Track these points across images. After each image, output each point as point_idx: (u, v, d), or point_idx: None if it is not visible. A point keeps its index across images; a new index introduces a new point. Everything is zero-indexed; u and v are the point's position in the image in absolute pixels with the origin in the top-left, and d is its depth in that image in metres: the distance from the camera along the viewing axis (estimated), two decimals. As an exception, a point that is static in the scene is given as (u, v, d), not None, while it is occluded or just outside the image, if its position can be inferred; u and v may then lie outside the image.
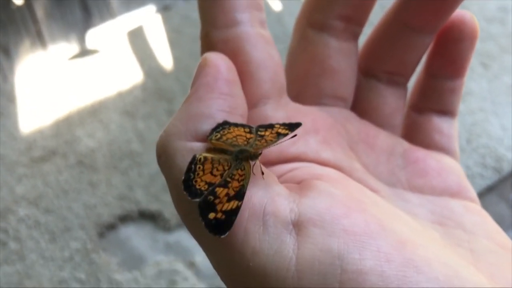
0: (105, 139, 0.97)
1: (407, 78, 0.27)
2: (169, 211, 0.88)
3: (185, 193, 0.19)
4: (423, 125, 0.27)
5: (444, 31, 0.25)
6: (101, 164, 0.94)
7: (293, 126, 0.21)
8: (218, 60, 0.21)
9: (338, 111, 0.26)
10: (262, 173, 0.20)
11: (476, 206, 0.24)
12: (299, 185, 0.20)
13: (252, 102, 0.23)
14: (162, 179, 0.91)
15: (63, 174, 0.93)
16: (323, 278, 0.16)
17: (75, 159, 0.94)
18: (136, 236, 0.87)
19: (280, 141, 0.21)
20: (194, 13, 1.15)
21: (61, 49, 1.10)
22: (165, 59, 1.08)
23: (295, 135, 0.21)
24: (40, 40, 1.11)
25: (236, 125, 0.20)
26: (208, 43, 0.23)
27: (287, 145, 0.22)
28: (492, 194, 0.90)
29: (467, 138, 0.96)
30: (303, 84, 0.26)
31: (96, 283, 0.81)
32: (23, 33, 1.11)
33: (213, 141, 0.20)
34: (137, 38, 1.12)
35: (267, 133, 0.21)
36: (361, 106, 0.27)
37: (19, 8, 1.14)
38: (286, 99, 0.24)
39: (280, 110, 0.23)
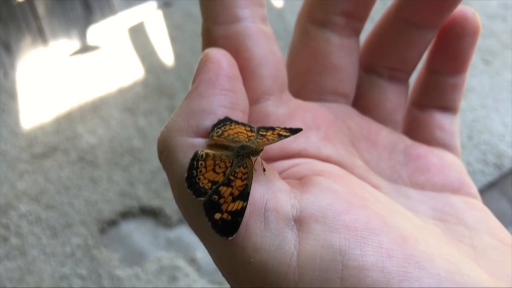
0: (106, 135, 0.97)
1: (408, 74, 0.27)
2: (170, 207, 0.88)
3: (189, 191, 0.18)
4: (425, 122, 0.27)
5: (446, 26, 0.25)
6: (102, 160, 0.94)
7: (294, 131, 0.21)
8: (220, 56, 0.21)
9: (340, 107, 0.26)
10: (264, 169, 0.20)
11: (477, 202, 0.24)
12: (301, 181, 0.20)
13: (254, 98, 0.23)
14: (163, 176, 0.91)
15: (64, 170, 0.93)
16: (324, 274, 0.16)
17: (76, 155, 0.94)
18: (137, 232, 0.87)
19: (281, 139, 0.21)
20: (195, 10, 1.15)
21: (62, 45, 1.10)
22: (166, 55, 1.08)
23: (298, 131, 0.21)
24: (41, 36, 1.11)
25: (237, 122, 0.20)
26: (210, 39, 0.23)
27: (288, 141, 0.22)
28: (493, 191, 0.90)
29: (468, 135, 0.96)
30: (305, 80, 0.26)
31: (97, 279, 0.81)
32: (24, 29, 1.11)
33: (214, 137, 0.20)
34: (138, 34, 1.12)
35: (268, 133, 0.21)
36: (362, 103, 0.27)
37: (20, 4, 1.14)
38: (287, 95, 0.24)
39: (281, 106, 0.23)
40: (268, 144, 0.20)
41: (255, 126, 0.21)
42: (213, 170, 0.19)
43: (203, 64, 0.21)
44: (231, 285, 0.19)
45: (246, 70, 0.22)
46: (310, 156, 0.23)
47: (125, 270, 0.82)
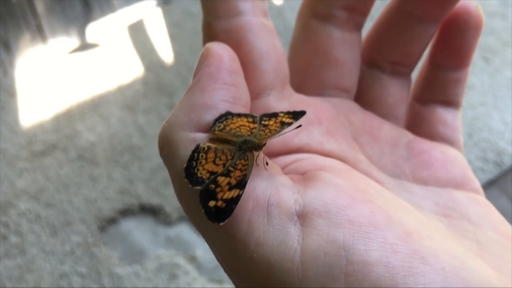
0: (106, 133, 0.97)
1: (411, 69, 0.27)
2: (170, 205, 0.87)
3: (186, 180, 0.18)
4: (427, 116, 0.27)
5: (448, 21, 0.25)
6: (102, 158, 0.93)
7: (297, 114, 0.21)
8: (221, 50, 0.21)
9: (342, 102, 0.25)
10: (267, 164, 0.19)
11: (480, 197, 0.24)
12: (304, 176, 0.20)
13: (255, 93, 0.22)
14: (162, 173, 0.91)
15: (63, 168, 0.92)
16: (328, 270, 0.16)
17: (76, 153, 0.94)
18: (137, 230, 0.87)
19: (284, 131, 0.21)
20: (195, 7, 1.14)
21: (61, 43, 1.10)
22: (166, 53, 1.08)
23: (299, 126, 0.21)
24: (40, 34, 1.10)
25: (239, 115, 0.20)
26: (210, 34, 0.23)
27: (290, 136, 0.22)
28: (493, 188, 0.90)
29: (468, 132, 0.95)
30: (306, 75, 0.26)
31: (97, 277, 0.81)
32: (23, 27, 1.11)
33: (216, 132, 0.20)
34: (137, 32, 1.12)
35: (271, 122, 0.21)
36: (364, 97, 0.27)
37: (19, 2, 1.13)
38: (289, 89, 0.24)
39: (283, 101, 0.23)
40: (271, 136, 0.20)
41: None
42: (213, 162, 0.19)
43: (204, 59, 0.21)
44: (233, 281, 0.19)
45: (248, 64, 0.22)
46: (312, 151, 0.22)
47: (124, 268, 0.82)
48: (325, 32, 0.25)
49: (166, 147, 0.20)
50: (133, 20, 1.13)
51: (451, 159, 0.25)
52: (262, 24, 0.23)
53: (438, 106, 0.27)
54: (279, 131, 0.20)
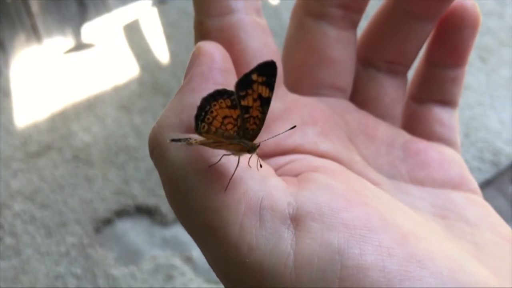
0: (101, 133, 0.96)
1: (407, 68, 0.26)
2: (166, 205, 0.87)
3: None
4: (424, 116, 0.26)
5: (445, 18, 0.25)
6: (97, 159, 0.93)
7: (266, 69, 0.19)
8: (213, 49, 0.21)
9: (337, 101, 0.25)
10: (261, 166, 0.19)
11: (478, 198, 0.24)
12: (297, 178, 0.19)
13: None
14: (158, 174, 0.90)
15: (58, 169, 0.92)
16: (322, 274, 0.16)
17: (71, 153, 0.94)
18: (133, 231, 0.86)
19: (278, 134, 0.20)
20: (190, 7, 1.13)
21: (57, 43, 1.09)
22: (162, 53, 1.08)
23: (294, 127, 0.21)
24: (35, 34, 1.10)
25: (214, 98, 0.19)
26: (203, 32, 0.22)
27: (284, 137, 0.22)
28: (490, 188, 0.90)
29: (465, 132, 0.95)
30: (301, 74, 0.25)
31: (92, 278, 0.81)
32: (18, 27, 1.10)
33: (203, 134, 0.19)
34: (133, 32, 1.11)
35: (249, 101, 0.19)
36: (360, 97, 0.26)
37: (14, 1, 1.13)
38: (283, 89, 0.23)
39: (277, 101, 0.22)
40: (257, 126, 0.19)
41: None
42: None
43: (195, 58, 0.21)
44: (224, 286, 0.19)
45: (240, 63, 0.22)
46: (306, 152, 0.22)
47: (120, 269, 0.82)
48: (320, 31, 0.25)
49: (157, 149, 0.20)
50: (128, 20, 1.13)
51: (448, 159, 0.25)
52: (255, 22, 0.22)
53: (434, 105, 0.26)
54: (264, 117, 0.19)
